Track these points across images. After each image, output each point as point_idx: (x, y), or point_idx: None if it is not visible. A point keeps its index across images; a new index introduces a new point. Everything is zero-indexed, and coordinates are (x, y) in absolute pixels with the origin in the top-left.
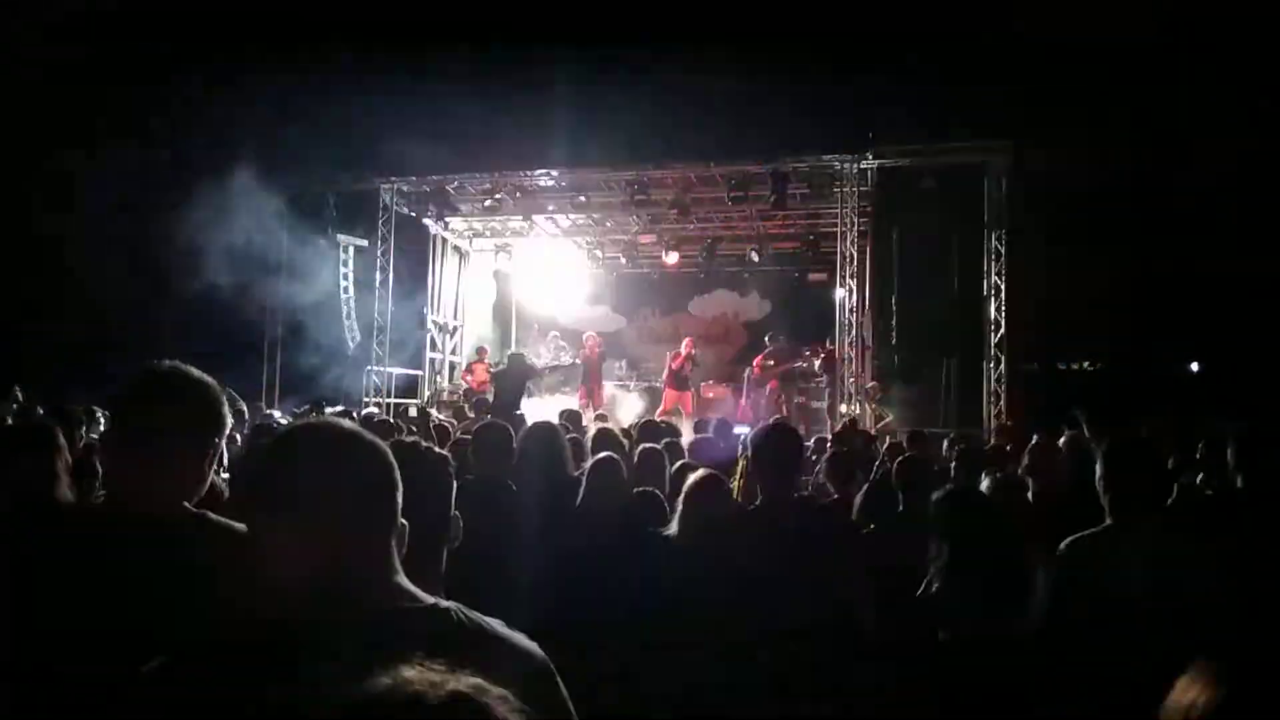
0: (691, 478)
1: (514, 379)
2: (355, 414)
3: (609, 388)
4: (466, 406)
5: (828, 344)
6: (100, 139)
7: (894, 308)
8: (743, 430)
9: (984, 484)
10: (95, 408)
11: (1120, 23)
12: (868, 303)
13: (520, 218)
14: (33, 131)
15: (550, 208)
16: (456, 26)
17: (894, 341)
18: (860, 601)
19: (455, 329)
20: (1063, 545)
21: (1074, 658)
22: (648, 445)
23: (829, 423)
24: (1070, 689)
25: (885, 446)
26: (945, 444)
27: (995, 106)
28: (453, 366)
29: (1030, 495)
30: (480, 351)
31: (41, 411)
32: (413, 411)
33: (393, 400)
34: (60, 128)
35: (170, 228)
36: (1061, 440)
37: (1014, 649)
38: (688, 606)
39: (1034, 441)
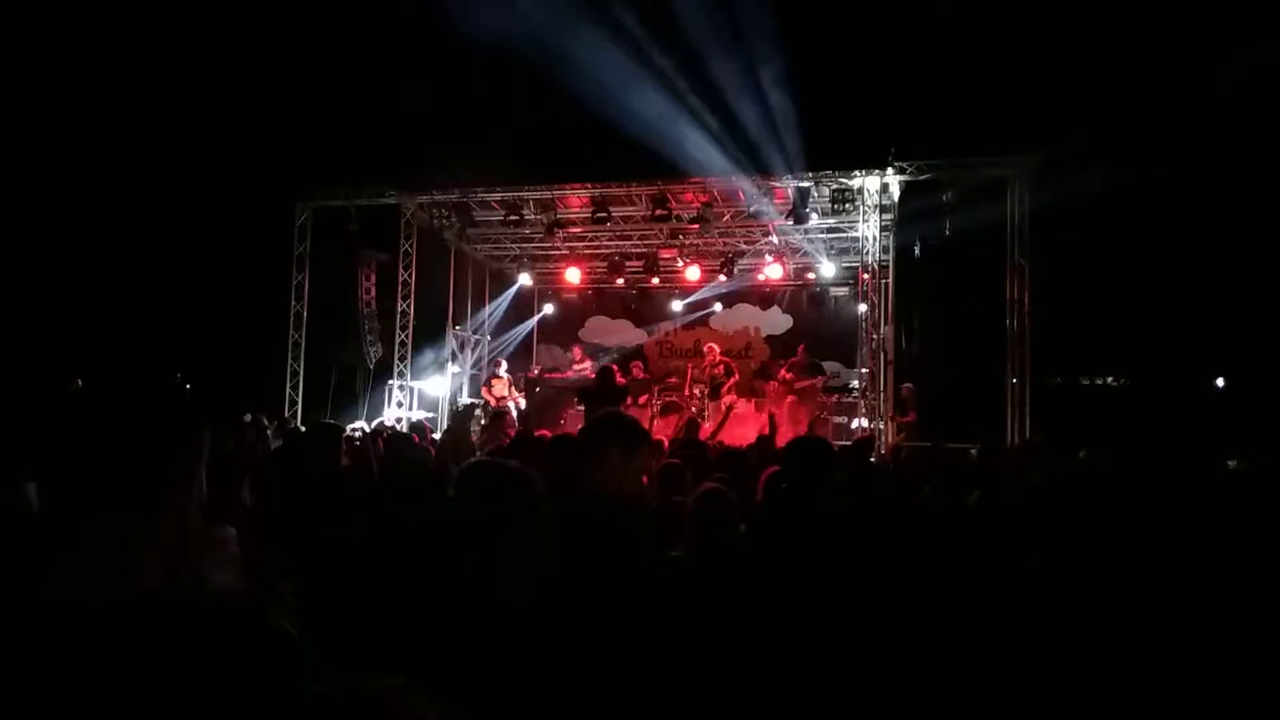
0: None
1: (604, 398)
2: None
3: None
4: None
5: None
6: (118, 150)
7: (915, 321)
8: None
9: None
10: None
11: (1145, 36)
12: (889, 316)
13: (541, 231)
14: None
15: (571, 221)
16: (475, 38)
17: (916, 355)
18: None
19: (476, 343)
20: (1091, 557)
21: (1091, 667)
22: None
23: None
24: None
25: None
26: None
27: (1019, 120)
28: (474, 379)
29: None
30: (496, 364)
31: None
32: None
33: (413, 414)
34: (85, 139)
35: (192, 240)
36: (1081, 455)
37: None
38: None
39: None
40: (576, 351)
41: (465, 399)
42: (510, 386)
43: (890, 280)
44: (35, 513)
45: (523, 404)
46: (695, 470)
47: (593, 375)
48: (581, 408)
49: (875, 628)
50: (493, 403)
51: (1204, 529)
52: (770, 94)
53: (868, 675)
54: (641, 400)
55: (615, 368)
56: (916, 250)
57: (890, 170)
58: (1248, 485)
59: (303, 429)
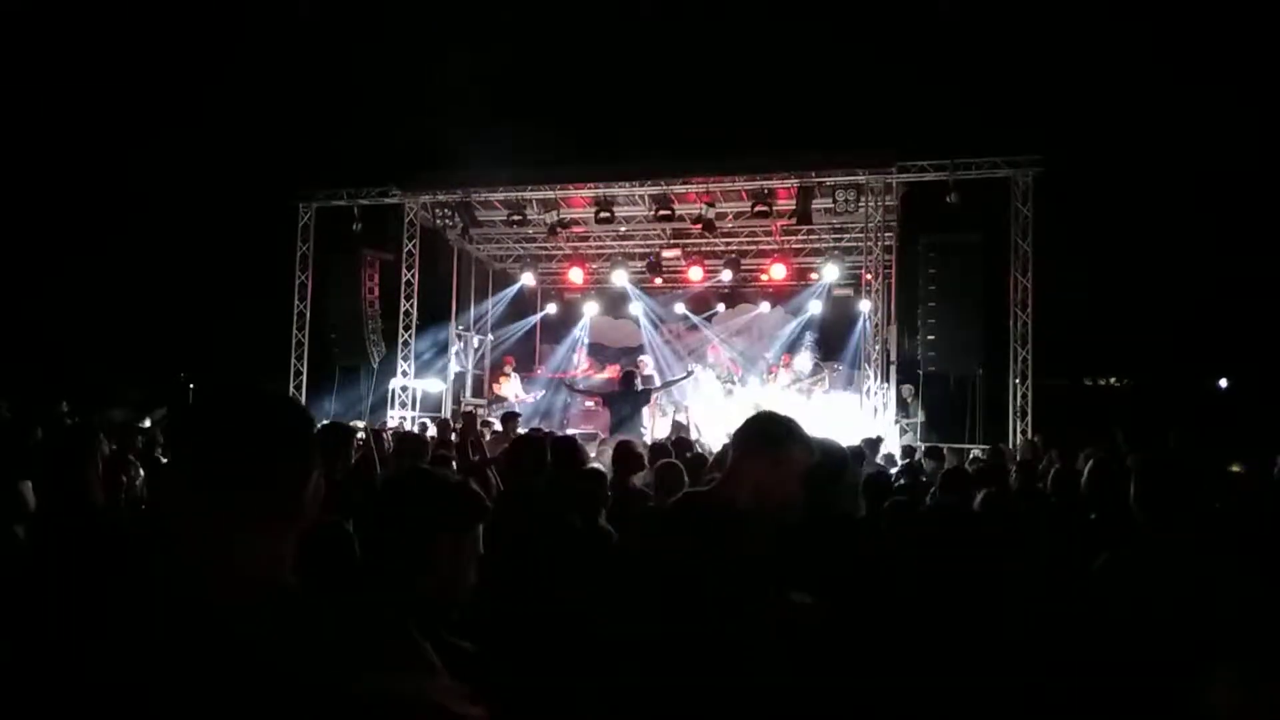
0: None
1: (630, 398)
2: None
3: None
4: (493, 418)
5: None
6: (123, 151)
7: (919, 322)
8: None
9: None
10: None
11: (1149, 39)
12: (892, 316)
13: (544, 231)
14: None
15: (574, 221)
16: (479, 40)
17: (919, 356)
18: None
19: (480, 341)
20: (1099, 560)
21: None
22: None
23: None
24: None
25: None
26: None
27: (1023, 121)
28: (477, 379)
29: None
30: (507, 362)
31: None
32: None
33: (417, 413)
34: (87, 139)
35: (195, 240)
36: (1083, 456)
37: None
38: None
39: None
40: (580, 355)
41: (468, 398)
42: (520, 385)
43: (893, 280)
44: (32, 511)
45: (530, 400)
46: (692, 471)
47: (593, 374)
48: (591, 404)
49: (877, 627)
50: (510, 399)
51: (1206, 532)
52: (774, 92)
53: (869, 674)
54: None
55: (635, 370)
56: (919, 250)
57: (894, 170)
58: (1250, 490)
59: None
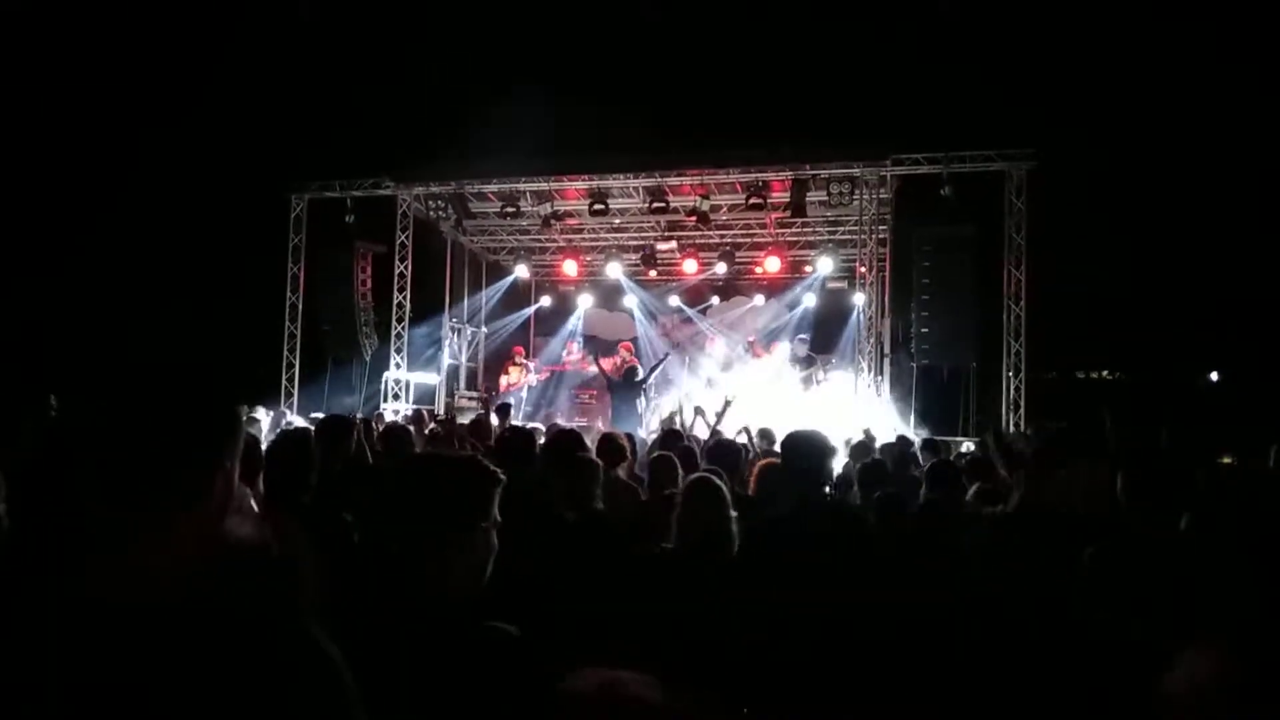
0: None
1: (629, 390)
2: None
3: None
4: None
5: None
6: (113, 143)
7: (913, 315)
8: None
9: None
10: None
11: (1142, 32)
12: (886, 309)
13: (538, 223)
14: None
15: (568, 214)
16: (473, 32)
17: (912, 348)
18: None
19: (473, 334)
20: (1086, 554)
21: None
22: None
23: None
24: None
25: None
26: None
27: (1015, 114)
28: (471, 371)
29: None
30: (515, 351)
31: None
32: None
33: (410, 406)
34: (77, 132)
35: (186, 232)
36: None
37: None
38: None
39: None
40: (571, 347)
41: (462, 390)
42: (524, 373)
43: (888, 273)
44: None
45: (542, 379)
46: (686, 464)
47: (587, 366)
48: (581, 399)
49: (869, 621)
50: (518, 384)
51: (1198, 525)
52: (768, 85)
53: (861, 669)
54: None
55: (636, 363)
56: (913, 243)
57: (888, 163)
58: (1241, 482)
59: (295, 424)
